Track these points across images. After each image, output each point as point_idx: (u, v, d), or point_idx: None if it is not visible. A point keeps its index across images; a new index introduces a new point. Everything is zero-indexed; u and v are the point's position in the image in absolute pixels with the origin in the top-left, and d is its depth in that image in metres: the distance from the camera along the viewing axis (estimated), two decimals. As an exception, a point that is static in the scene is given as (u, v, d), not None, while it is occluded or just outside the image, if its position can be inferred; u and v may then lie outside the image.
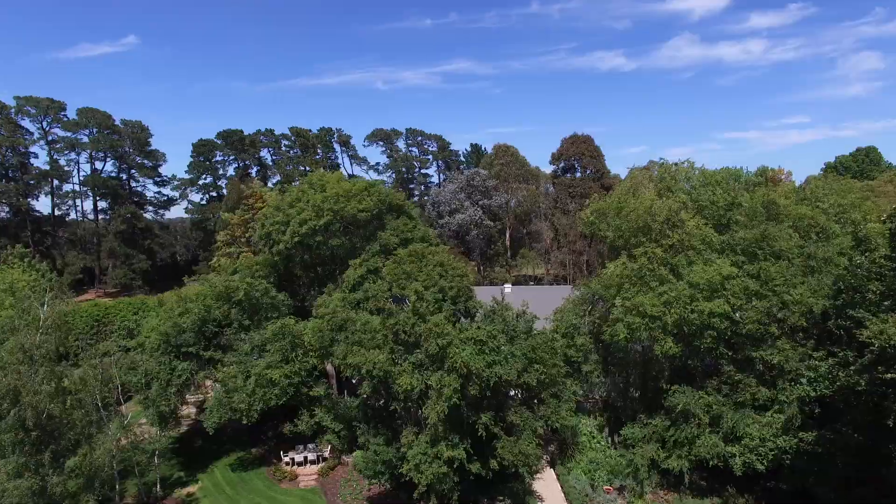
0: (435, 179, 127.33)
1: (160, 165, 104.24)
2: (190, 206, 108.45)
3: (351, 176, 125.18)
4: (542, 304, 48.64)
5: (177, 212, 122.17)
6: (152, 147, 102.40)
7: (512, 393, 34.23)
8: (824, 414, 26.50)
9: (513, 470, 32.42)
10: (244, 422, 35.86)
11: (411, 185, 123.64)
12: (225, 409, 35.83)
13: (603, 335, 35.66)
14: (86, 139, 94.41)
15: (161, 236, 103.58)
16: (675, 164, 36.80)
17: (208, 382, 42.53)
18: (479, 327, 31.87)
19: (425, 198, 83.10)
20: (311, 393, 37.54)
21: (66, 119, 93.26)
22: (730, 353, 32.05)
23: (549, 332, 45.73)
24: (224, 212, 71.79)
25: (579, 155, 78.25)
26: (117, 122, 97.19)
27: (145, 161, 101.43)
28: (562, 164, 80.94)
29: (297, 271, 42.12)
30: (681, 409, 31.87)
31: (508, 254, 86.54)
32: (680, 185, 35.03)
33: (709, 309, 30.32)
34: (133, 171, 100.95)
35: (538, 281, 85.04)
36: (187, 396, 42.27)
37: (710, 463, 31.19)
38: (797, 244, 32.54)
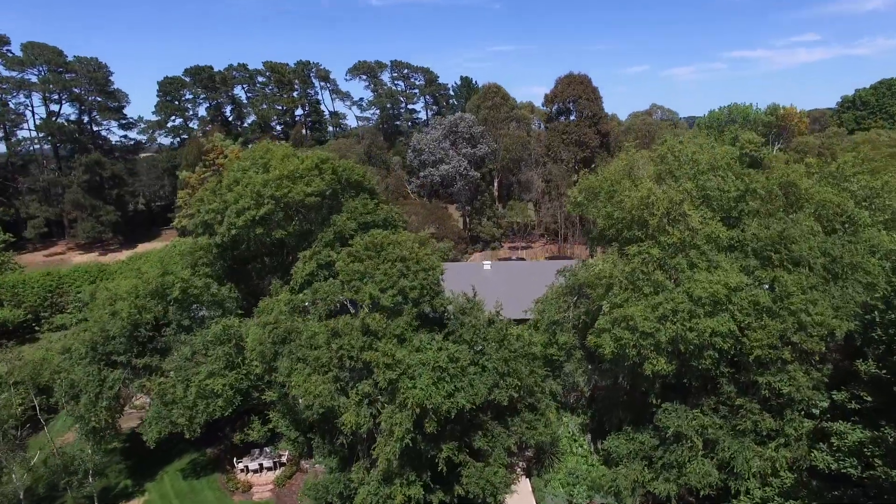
0: (423, 115, 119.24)
1: (124, 107, 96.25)
2: (160, 148, 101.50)
3: (332, 114, 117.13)
4: (525, 285, 44.06)
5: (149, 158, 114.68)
6: (114, 87, 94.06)
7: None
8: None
9: (480, 498, 29.19)
10: (187, 436, 32.33)
11: (397, 122, 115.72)
12: (164, 423, 32.15)
13: (587, 341, 31.29)
14: (35, 79, 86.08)
15: (131, 184, 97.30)
16: (681, 142, 30.73)
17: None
18: (440, 348, 27.40)
19: (411, 140, 76.30)
20: (263, 397, 33.69)
21: (10, 55, 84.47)
22: (731, 372, 27.78)
23: (528, 328, 41.62)
24: (183, 169, 65.73)
25: (575, 97, 70.79)
26: (70, 60, 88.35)
27: (108, 102, 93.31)
28: (555, 107, 73.59)
29: (247, 257, 37.11)
30: (672, 431, 28.09)
31: (497, 204, 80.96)
32: (684, 168, 29.26)
33: (711, 328, 25.69)
34: (94, 113, 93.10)
35: (528, 231, 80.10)
36: (134, 399, 38.62)
37: (702, 493, 27.79)
38: (820, 243, 27.33)
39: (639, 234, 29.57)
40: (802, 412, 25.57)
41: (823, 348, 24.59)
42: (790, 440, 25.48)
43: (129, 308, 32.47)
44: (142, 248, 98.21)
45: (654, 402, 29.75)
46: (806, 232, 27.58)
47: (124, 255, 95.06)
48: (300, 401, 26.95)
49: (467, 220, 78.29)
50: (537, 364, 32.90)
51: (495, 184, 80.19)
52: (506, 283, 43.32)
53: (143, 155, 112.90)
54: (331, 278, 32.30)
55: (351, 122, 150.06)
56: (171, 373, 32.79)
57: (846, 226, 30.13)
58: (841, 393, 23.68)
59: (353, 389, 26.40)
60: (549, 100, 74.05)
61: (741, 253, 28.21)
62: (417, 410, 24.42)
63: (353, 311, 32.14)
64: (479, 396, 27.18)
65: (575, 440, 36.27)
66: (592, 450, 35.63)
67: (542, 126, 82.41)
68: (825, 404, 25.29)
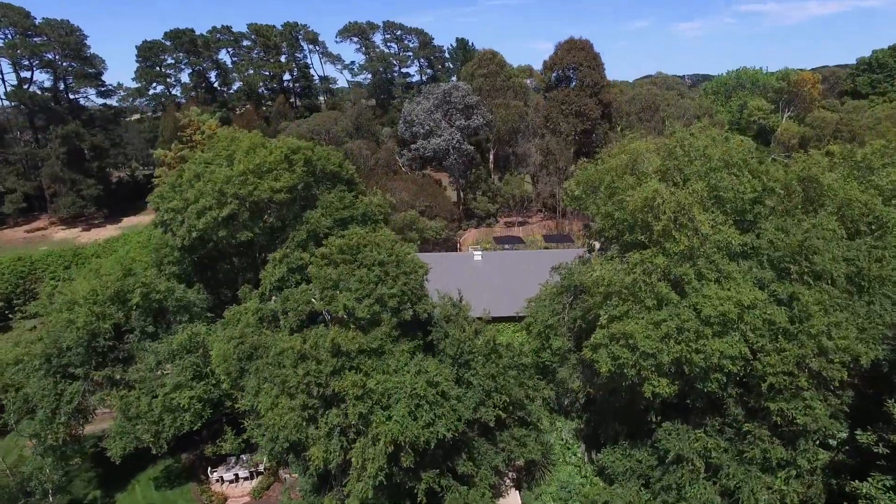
0: (417, 80, 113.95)
1: (101, 73, 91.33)
2: (142, 118, 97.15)
3: (322, 79, 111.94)
4: (518, 278, 41.28)
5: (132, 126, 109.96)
6: (89, 51, 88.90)
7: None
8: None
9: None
10: (154, 451, 30.28)
11: (390, 87, 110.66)
12: (129, 438, 30.02)
13: (583, 353, 28.77)
14: (1, 43, 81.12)
15: (113, 155, 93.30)
16: (692, 134, 27.24)
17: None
18: (418, 371, 24.83)
19: (402, 110, 72.21)
20: (236, 406, 31.44)
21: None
22: (739, 393, 25.33)
23: (520, 330, 39.04)
24: (159, 145, 62.09)
25: (576, 64, 66.28)
26: (39, 23, 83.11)
27: (84, 68, 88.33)
28: (554, 75, 69.13)
29: (215, 255, 34.23)
30: (673, 455, 25.90)
31: (492, 177, 77.45)
32: (695, 164, 25.94)
33: (719, 350, 23.07)
34: (69, 80, 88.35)
35: (525, 206, 76.85)
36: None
37: (703, 520, 25.78)
38: (844, 252, 24.40)
39: (642, 239, 26.60)
40: (818, 442, 23.20)
41: (846, 376, 22.02)
42: (802, 472, 23.22)
43: (85, 316, 29.83)
44: (127, 221, 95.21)
45: (654, 419, 27.48)
46: (829, 239, 24.61)
47: (109, 230, 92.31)
48: (265, 432, 24.55)
49: (461, 193, 74.94)
50: (528, 375, 30.54)
51: (490, 156, 76.45)
52: (498, 277, 40.63)
53: (134, 117, 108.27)
54: (303, 283, 29.56)
55: (343, 85, 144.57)
56: (136, 384, 30.47)
57: (872, 227, 27.11)
58: (867, 434, 21.21)
59: (323, 417, 24.03)
60: (547, 67, 69.49)
61: (755, 261, 25.28)
62: (391, 448, 22.09)
63: (328, 318, 29.58)
64: (462, 421, 24.85)
65: (568, 448, 34.27)
66: (587, 459, 33.66)
67: (541, 91, 77.91)
68: (844, 435, 22.93)
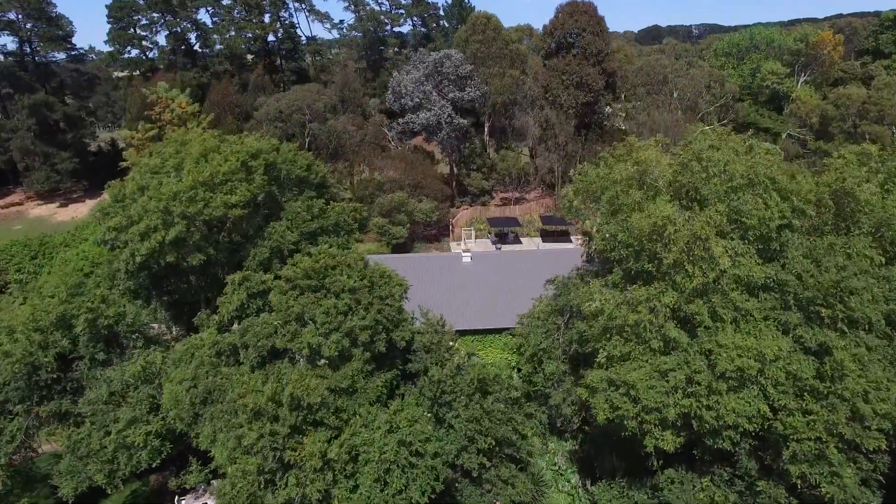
0: (411, 40, 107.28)
1: (70, 35, 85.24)
2: (118, 84, 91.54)
3: (309, 40, 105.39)
4: (511, 283, 37.91)
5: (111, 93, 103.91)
6: (55, 11, 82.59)
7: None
8: None
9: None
10: (109, 492, 27.80)
11: (381, 48, 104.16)
12: (81, 478, 27.47)
13: (577, 391, 25.79)
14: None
15: (89, 124, 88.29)
16: (710, 146, 23.14)
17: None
18: (390, 429, 21.83)
19: (393, 72, 67.14)
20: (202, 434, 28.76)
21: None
22: (753, 445, 22.43)
23: (511, 350, 35.95)
24: (125, 125, 57.60)
25: (578, 30, 60.78)
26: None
27: (50, 30, 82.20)
28: (555, 42, 63.64)
29: (169, 274, 30.77)
30: (675, 508, 23.28)
31: (487, 151, 73.00)
32: (713, 182, 22.08)
33: (734, 409, 20.02)
34: (35, 44, 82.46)
35: (521, 182, 72.69)
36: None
37: (708, 578, 23.42)
38: (884, 292, 20.96)
39: (648, 268, 23.11)
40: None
41: (884, 444, 19.04)
42: (824, 544, 20.56)
43: (24, 347, 26.71)
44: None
45: (655, 464, 24.75)
46: (865, 270, 21.13)
47: (88, 205, 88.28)
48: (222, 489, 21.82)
49: (454, 168, 70.64)
50: (517, 409, 27.67)
51: (486, 129, 71.74)
52: (488, 282, 37.29)
53: (119, 74, 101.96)
54: (264, 313, 26.29)
55: (330, 39, 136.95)
56: (87, 417, 27.70)
57: (913, 252, 23.57)
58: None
59: (282, 481, 21.24)
60: (547, 32, 63.94)
61: (780, 299, 21.85)
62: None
63: (293, 354, 26.47)
64: (440, 481, 22.10)
65: (561, 474, 31.84)
66: (581, 487, 31.26)
67: (541, 52, 72.32)
68: (875, 505, 20.15)
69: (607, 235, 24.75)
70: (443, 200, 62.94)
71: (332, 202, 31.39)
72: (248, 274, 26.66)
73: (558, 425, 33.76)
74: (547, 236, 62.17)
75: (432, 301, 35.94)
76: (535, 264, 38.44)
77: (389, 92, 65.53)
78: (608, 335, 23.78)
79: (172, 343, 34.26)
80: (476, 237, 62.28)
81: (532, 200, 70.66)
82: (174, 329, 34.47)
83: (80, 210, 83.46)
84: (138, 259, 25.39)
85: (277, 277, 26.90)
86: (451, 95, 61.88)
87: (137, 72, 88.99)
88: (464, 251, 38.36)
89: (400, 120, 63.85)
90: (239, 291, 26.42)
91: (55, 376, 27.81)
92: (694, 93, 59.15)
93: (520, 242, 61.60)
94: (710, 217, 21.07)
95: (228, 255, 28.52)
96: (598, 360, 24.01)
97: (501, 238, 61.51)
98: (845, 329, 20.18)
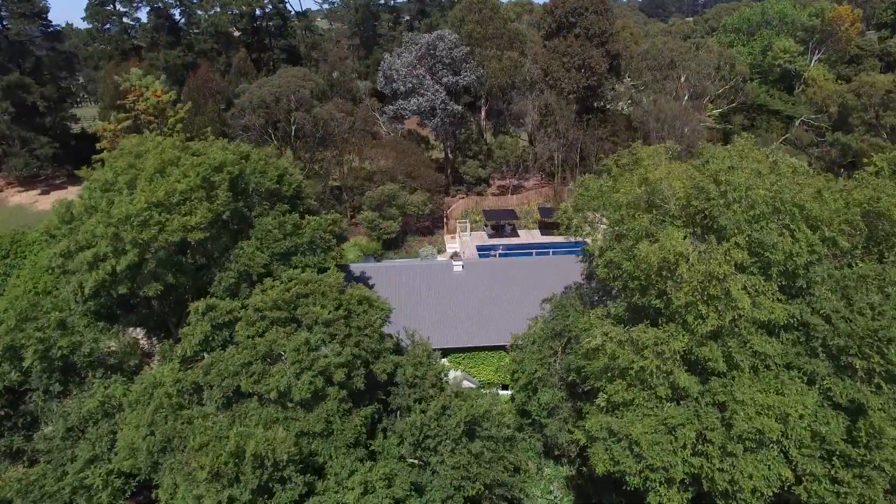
0: (406, 15, 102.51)
1: (45, 11, 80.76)
2: (98, 64, 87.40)
3: (300, 15, 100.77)
4: (506, 294, 35.35)
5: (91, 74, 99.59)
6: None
7: None
8: None
9: None
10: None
11: (374, 24, 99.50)
12: (37, 522, 25.42)
13: (574, 434, 23.50)
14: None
15: (68, 106, 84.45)
16: (731, 167, 20.13)
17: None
18: (366, 490, 19.59)
19: (381, 63, 63.37)
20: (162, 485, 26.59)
21: None
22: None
23: (505, 375, 33.53)
24: (98, 115, 54.29)
25: (581, 9, 56.86)
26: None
27: (22, 6, 77.76)
28: (555, 21, 59.71)
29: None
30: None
31: (484, 137, 69.68)
32: (732, 210, 19.25)
33: (751, 473, 17.72)
34: (6, 21, 78.13)
35: (520, 168, 69.52)
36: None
37: None
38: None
39: (656, 304, 20.54)
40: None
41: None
42: None
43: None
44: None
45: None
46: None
47: (71, 192, 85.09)
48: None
49: (449, 153, 67.39)
50: (509, 445, 25.46)
51: (482, 113, 68.27)
52: (480, 294, 34.75)
53: (98, 45, 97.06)
54: (232, 345, 23.83)
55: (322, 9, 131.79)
56: (42, 455, 25.56)
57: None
58: None
59: (245, 550, 19.13)
60: (548, 11, 59.98)
61: (804, 342, 19.34)
62: None
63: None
64: (422, 544, 20.04)
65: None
66: (579, 519, 29.33)
67: (541, 29, 68.30)
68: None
69: (611, 263, 22.11)
70: (437, 192, 60.02)
71: (308, 215, 28.60)
72: (213, 302, 24.09)
73: (555, 452, 31.73)
74: (546, 228, 59.40)
75: (419, 316, 33.53)
76: (531, 271, 35.88)
77: (381, 75, 61.92)
78: (609, 376, 21.38)
79: (149, 363, 31.97)
80: (472, 230, 59.60)
81: (531, 189, 67.65)
82: (153, 340, 32.05)
83: (63, 197, 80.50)
84: (87, 290, 22.77)
85: (246, 306, 24.45)
86: (444, 80, 58.33)
87: (117, 50, 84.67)
88: (454, 260, 35.68)
89: (391, 106, 60.43)
90: (203, 322, 23.88)
91: (2, 413, 25.53)
92: (702, 76, 55.60)
93: (517, 235, 58.93)
94: (728, 253, 18.38)
95: (193, 278, 25.90)
96: (598, 402, 21.67)
97: (498, 231, 58.81)
98: (882, 384, 17.72)
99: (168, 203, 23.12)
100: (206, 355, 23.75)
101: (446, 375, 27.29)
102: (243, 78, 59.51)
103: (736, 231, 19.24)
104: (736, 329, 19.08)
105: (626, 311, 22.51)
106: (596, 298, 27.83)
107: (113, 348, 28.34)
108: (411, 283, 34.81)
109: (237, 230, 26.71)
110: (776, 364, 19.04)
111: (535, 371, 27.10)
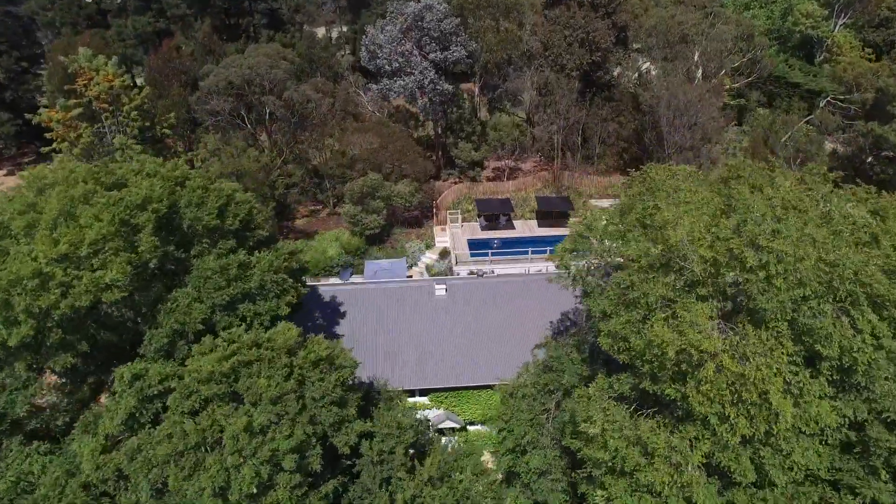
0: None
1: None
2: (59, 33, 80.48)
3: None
4: (496, 320, 31.30)
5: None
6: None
7: None
8: None
9: None
10: None
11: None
12: None
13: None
14: None
15: (31, 81, 78.17)
16: (774, 229, 15.49)
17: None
18: None
19: (365, 36, 57.39)
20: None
21: None
22: None
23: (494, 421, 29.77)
24: (44, 105, 49.07)
25: (585, -25, 50.64)
26: None
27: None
28: (558, -12, 53.49)
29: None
30: None
31: (479, 114, 64.28)
32: (777, 288, 14.85)
33: None
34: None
35: (517, 148, 64.39)
36: None
37: None
38: None
39: (673, 391, 16.57)
40: None
41: None
42: None
43: None
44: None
45: None
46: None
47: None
48: None
49: (439, 130, 62.13)
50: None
51: (476, 91, 62.66)
52: (466, 322, 30.78)
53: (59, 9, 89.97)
54: (164, 422, 20.04)
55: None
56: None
57: None
58: None
59: None
60: (548, -24, 53.70)
61: (860, 457, 15.48)
62: None
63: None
64: None
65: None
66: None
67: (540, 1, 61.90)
68: None
69: (615, 335, 18.02)
70: (426, 181, 55.24)
71: (261, 248, 24.29)
72: (140, 369, 20.17)
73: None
74: (543, 219, 54.97)
75: (396, 350, 29.72)
76: (522, 292, 31.84)
77: (363, 50, 56.11)
78: (612, 473, 17.66)
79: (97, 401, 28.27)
80: (463, 220, 55.17)
81: (528, 173, 62.75)
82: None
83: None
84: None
85: (181, 375, 20.52)
86: (432, 56, 52.66)
87: (80, 16, 77.86)
88: (437, 283, 31.48)
89: (375, 86, 54.93)
90: (128, 394, 20.01)
91: None
92: (719, 52, 49.98)
93: (513, 227, 54.54)
94: (771, 353, 14.26)
95: (121, 333, 21.88)
96: (595, 500, 18.04)
97: (492, 222, 54.37)
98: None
99: (74, 256, 18.83)
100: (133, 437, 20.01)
101: (424, 436, 23.73)
102: (210, 56, 53.84)
103: (779, 315, 15.04)
104: (772, 437, 15.18)
105: (633, 389, 18.59)
106: (594, 340, 23.92)
107: (39, 403, 24.70)
108: (388, 310, 30.85)
109: (172, 274, 22.52)
110: (822, 480, 15.22)
111: (525, 434, 23.40)
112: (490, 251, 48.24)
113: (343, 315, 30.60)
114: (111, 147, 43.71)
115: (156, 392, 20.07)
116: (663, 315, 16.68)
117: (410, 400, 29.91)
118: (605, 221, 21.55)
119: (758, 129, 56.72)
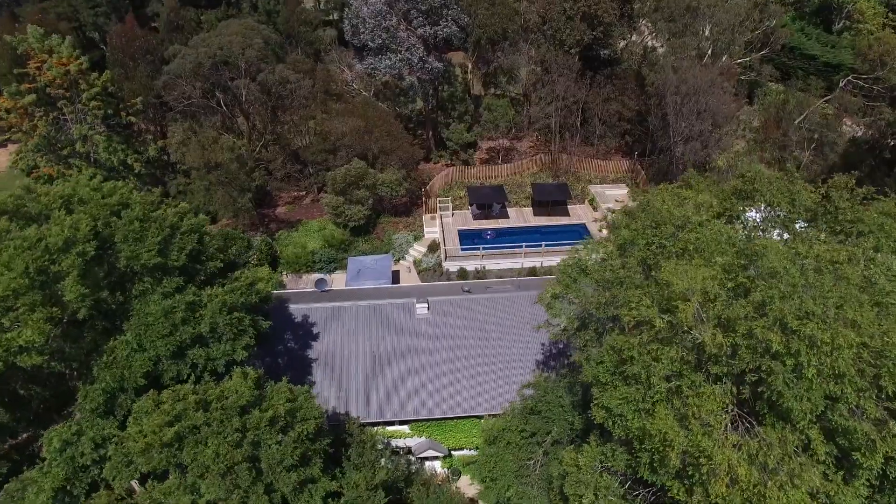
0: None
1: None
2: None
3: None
4: (486, 337, 28.68)
5: None
6: None
7: None
8: None
9: None
10: None
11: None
12: None
13: None
14: None
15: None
16: (807, 311, 12.52)
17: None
18: None
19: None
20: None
21: None
22: None
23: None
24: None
25: (587, -61, 45.99)
26: None
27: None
28: (557, -44, 48.79)
29: None
30: None
31: (472, 91, 60.36)
32: (807, 379, 12.18)
33: None
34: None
35: (512, 129, 60.78)
36: None
37: None
38: None
39: (676, 488, 14.17)
40: None
41: None
42: None
43: None
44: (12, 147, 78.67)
45: None
46: None
47: (9, 150, 76.38)
48: None
49: (430, 107, 58.35)
50: None
51: (469, 67, 58.54)
52: (450, 345, 28.29)
53: None
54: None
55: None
56: None
57: None
58: None
59: None
60: (547, -60, 48.87)
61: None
62: None
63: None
64: None
65: None
66: None
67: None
68: None
69: (609, 410, 15.50)
70: (414, 167, 51.95)
71: (212, 283, 21.55)
72: (71, 436, 17.78)
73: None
74: (539, 207, 51.94)
75: (374, 378, 27.37)
76: (510, 312, 29.25)
77: (346, 24, 51.86)
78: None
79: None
80: (454, 209, 52.17)
81: (525, 154, 59.27)
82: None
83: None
84: None
85: (119, 440, 18.14)
86: (421, 31, 48.55)
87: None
88: (419, 302, 28.80)
89: (360, 65, 50.96)
90: (57, 464, 17.67)
91: None
92: (731, 26, 45.84)
93: (507, 216, 51.57)
94: (798, 473, 11.73)
95: (49, 389, 19.40)
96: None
97: (484, 210, 51.34)
98: None
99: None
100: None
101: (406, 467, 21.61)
102: (177, 33, 49.60)
103: (809, 415, 12.44)
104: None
105: (628, 464, 16.19)
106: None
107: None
108: (366, 333, 28.34)
109: (110, 315, 19.86)
110: None
111: (509, 488, 21.21)
112: (482, 246, 45.40)
113: (316, 337, 28.14)
114: (72, 137, 40.36)
115: (89, 461, 17.71)
116: (666, 391, 14.13)
117: (390, 429, 27.80)
118: (601, 255, 18.75)
119: (770, 109, 53.02)
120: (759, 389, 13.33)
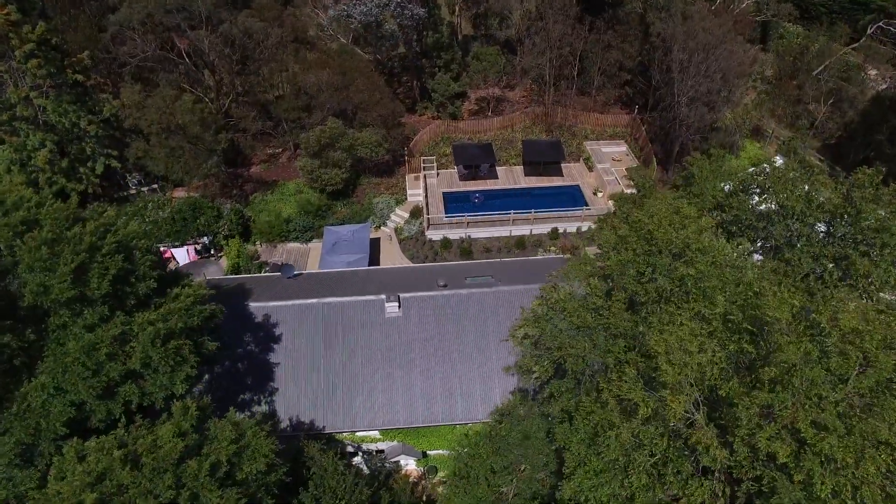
0: None
1: None
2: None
3: None
4: (463, 337, 26.29)
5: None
6: None
7: None
8: None
9: None
10: None
11: None
12: None
13: None
14: None
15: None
16: (835, 433, 10.11)
17: None
18: None
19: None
20: None
21: None
22: None
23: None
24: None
25: None
26: None
27: None
28: None
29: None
30: None
31: (459, 36, 55.24)
32: (828, 484, 10.09)
33: None
34: None
35: (504, 76, 56.25)
36: None
37: None
38: None
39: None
40: None
41: None
42: None
43: None
44: None
45: None
46: None
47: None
48: None
49: (413, 55, 53.73)
50: None
51: (456, 10, 53.03)
52: (422, 347, 26.12)
53: None
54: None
55: None
56: None
57: None
58: None
59: None
60: None
61: None
62: None
63: None
64: None
65: None
66: None
67: None
68: None
69: (580, 489, 13.45)
70: (396, 123, 48.05)
71: (147, 306, 19.00)
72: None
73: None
74: (531, 166, 48.58)
75: (338, 384, 25.44)
76: (488, 309, 26.90)
77: (315, -40, 46.27)
78: None
79: None
80: (440, 168, 48.86)
81: (517, 107, 55.04)
82: None
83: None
84: None
85: (39, 495, 16.25)
86: (399, -28, 43.33)
87: None
88: (388, 301, 26.30)
89: (331, 11, 45.91)
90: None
91: None
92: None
93: (495, 177, 48.32)
94: None
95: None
96: None
97: (471, 170, 48.01)
98: None
99: None
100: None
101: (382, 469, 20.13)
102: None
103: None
104: None
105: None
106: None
107: None
108: (332, 334, 26.12)
109: (26, 351, 17.48)
110: None
111: (480, 523, 19.72)
112: (467, 214, 42.57)
113: (279, 339, 25.95)
114: (7, 102, 36.45)
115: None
116: (647, 477, 12.04)
117: (360, 433, 26.23)
118: (579, 296, 16.17)
119: (786, 57, 48.38)
120: (752, 494, 11.20)
